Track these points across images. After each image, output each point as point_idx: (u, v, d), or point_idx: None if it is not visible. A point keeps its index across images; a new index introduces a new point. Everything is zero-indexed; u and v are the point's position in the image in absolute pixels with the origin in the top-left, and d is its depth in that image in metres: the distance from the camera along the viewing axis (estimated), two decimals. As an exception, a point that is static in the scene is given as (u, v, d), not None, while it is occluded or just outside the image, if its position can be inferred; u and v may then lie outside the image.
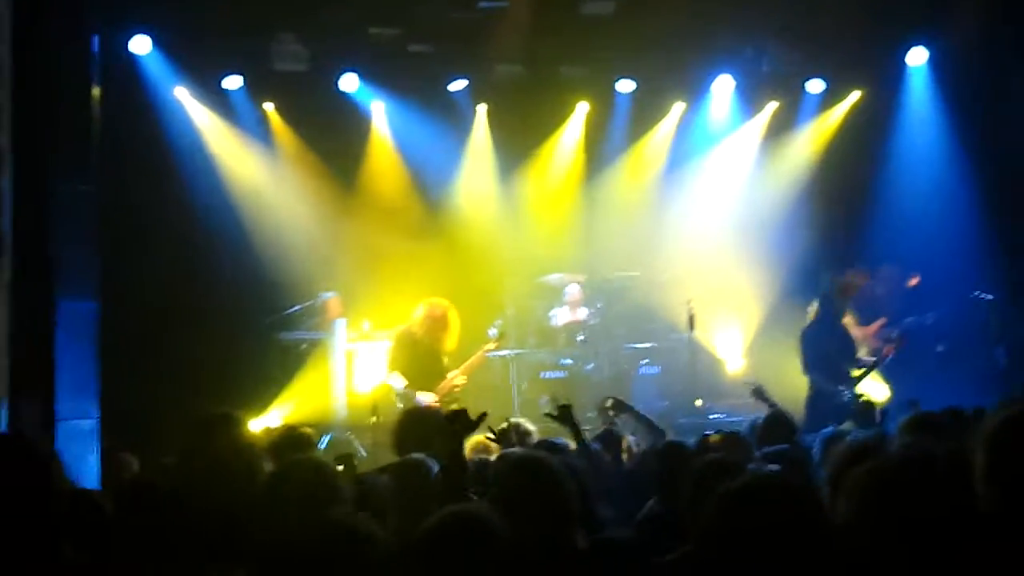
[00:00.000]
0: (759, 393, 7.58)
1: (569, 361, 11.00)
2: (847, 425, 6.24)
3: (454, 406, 8.36)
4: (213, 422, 4.38)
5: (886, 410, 6.86)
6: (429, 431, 5.49)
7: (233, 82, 10.80)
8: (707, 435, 5.73)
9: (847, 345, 9.08)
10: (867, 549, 2.67)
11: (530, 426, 6.61)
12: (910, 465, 2.93)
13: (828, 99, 11.82)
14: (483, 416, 4.66)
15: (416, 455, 4.78)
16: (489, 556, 2.87)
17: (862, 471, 2.87)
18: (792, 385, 9.04)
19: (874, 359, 8.87)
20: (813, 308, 9.08)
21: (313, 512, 3.31)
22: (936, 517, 2.68)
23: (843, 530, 2.76)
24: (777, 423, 6.05)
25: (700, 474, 4.06)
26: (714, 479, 3.79)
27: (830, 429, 5.77)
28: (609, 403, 6.87)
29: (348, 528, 2.86)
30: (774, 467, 4.72)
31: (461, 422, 4.44)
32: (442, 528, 2.93)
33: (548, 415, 5.96)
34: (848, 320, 9.80)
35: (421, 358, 8.85)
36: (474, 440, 5.79)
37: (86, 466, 7.35)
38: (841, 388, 8.61)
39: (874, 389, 8.85)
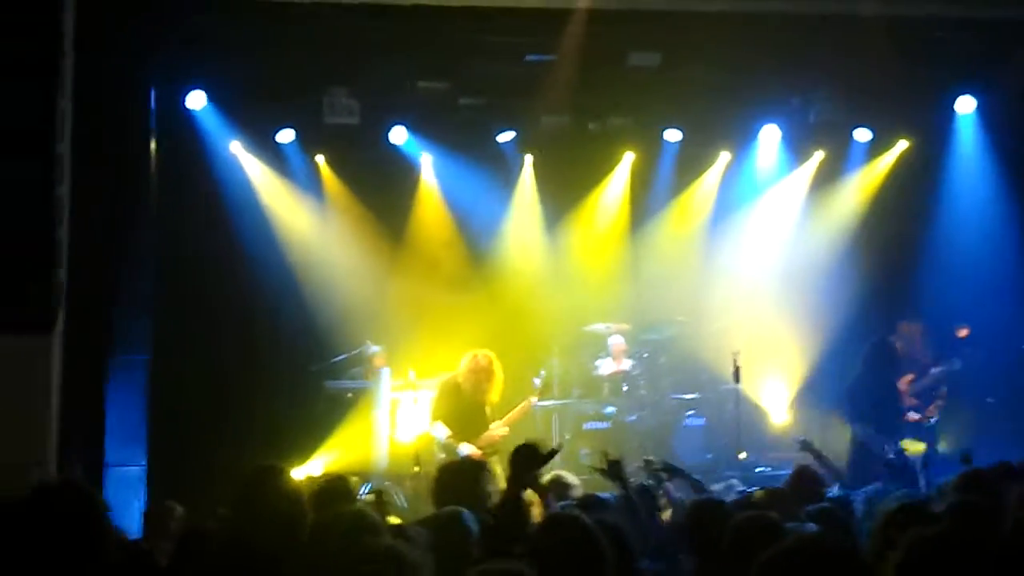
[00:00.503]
0: (807, 446, 7.52)
1: (612, 411, 10.97)
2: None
3: (495, 458, 8.46)
4: (262, 474, 4.45)
5: (926, 461, 6.76)
6: (468, 483, 5.51)
7: (286, 136, 11.03)
8: (751, 492, 5.69)
9: (896, 398, 8.97)
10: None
11: (572, 479, 6.60)
12: (959, 531, 2.93)
13: (875, 148, 11.78)
14: (555, 451, 4.46)
15: (453, 507, 4.80)
16: None
17: (914, 536, 2.86)
18: (837, 439, 8.96)
19: (919, 416, 8.76)
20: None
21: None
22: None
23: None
24: (804, 478, 5.99)
25: (738, 531, 4.06)
26: (752, 538, 3.82)
27: (874, 487, 5.72)
28: (658, 464, 6.82)
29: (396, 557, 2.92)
30: (812, 526, 4.68)
31: (527, 455, 4.23)
32: None
33: (598, 470, 5.92)
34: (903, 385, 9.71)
35: (465, 409, 8.86)
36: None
37: (131, 513, 7.47)
38: (886, 443, 8.49)
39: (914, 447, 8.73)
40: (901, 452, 8.43)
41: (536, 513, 5.29)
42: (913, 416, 9.07)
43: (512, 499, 3.98)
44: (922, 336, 10.52)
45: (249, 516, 4.05)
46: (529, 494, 5.69)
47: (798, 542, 3.02)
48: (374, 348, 10.43)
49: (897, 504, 4.33)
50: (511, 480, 3.98)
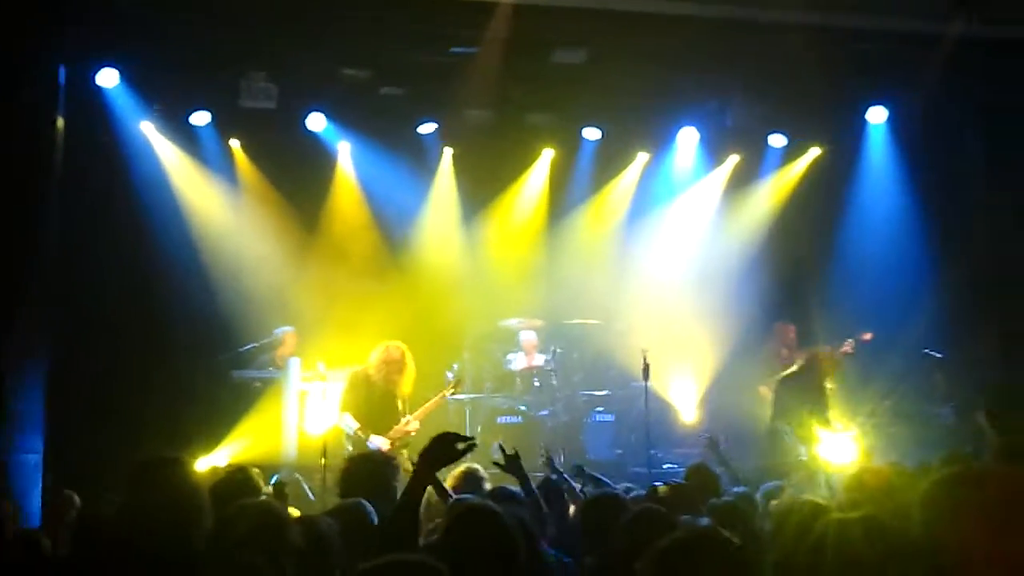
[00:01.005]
0: (713, 445, 7.64)
1: (524, 407, 11.01)
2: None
3: (404, 451, 8.42)
4: (158, 465, 4.36)
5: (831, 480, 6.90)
6: (375, 476, 5.47)
7: (200, 118, 10.80)
8: (655, 486, 5.76)
9: (818, 403, 9.15)
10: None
11: (484, 473, 6.61)
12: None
13: (789, 154, 12.03)
14: (472, 447, 4.22)
15: (354, 499, 4.76)
16: None
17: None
18: (746, 436, 9.12)
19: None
20: (799, 360, 9.18)
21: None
22: None
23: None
24: (702, 475, 6.10)
25: (631, 526, 4.11)
26: (646, 531, 3.86)
27: (772, 484, 5.84)
28: (545, 457, 6.88)
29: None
30: (706, 520, 4.75)
31: (441, 448, 4.02)
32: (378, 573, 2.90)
33: (496, 464, 5.95)
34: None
35: (375, 400, 8.79)
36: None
37: (30, 501, 7.27)
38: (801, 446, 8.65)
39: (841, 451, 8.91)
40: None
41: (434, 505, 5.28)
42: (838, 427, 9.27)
43: (417, 491, 3.85)
44: (796, 336, 10.75)
45: (141, 508, 3.97)
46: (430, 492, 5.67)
47: (686, 534, 3.07)
48: (285, 329, 10.27)
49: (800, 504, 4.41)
50: (418, 470, 3.83)
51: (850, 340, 10.15)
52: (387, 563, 2.96)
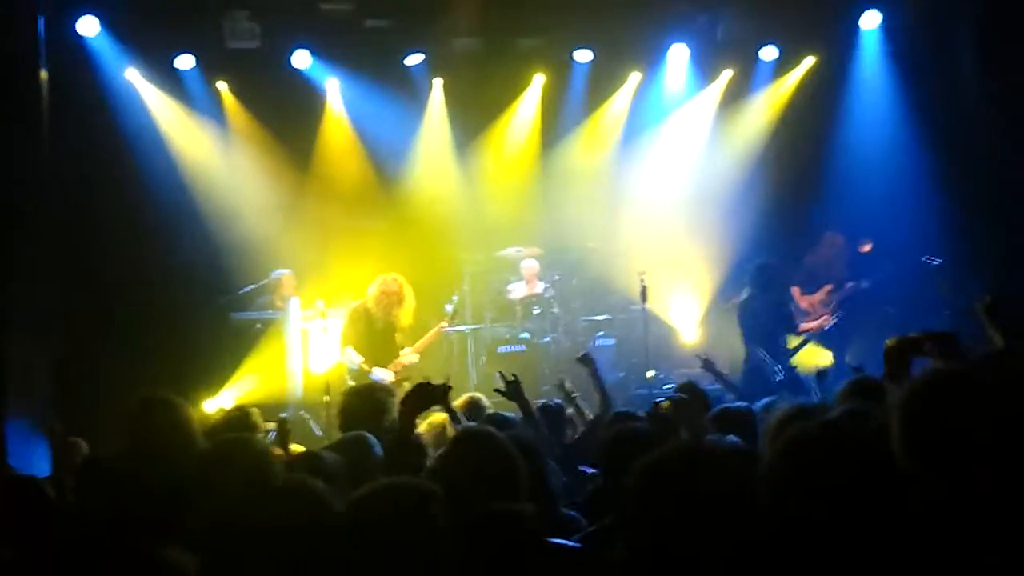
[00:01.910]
0: (709, 365, 7.69)
1: (526, 335, 11.05)
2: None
3: (406, 384, 8.49)
4: (154, 404, 4.43)
5: (825, 374, 6.95)
6: (371, 408, 5.53)
7: (185, 62, 10.68)
8: (658, 402, 5.79)
9: (785, 317, 9.20)
10: (789, 513, 2.71)
11: (486, 401, 6.68)
12: (831, 428, 2.99)
13: (782, 66, 11.82)
14: (447, 389, 4.62)
15: (356, 432, 4.82)
16: (422, 525, 2.88)
17: (785, 435, 2.92)
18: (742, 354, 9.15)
19: (813, 323, 9.02)
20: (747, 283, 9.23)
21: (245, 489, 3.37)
22: (851, 479, 2.73)
23: (769, 494, 2.82)
24: (693, 391, 6.13)
25: (615, 442, 4.16)
26: (630, 447, 3.90)
27: (768, 399, 5.87)
28: (559, 383, 6.93)
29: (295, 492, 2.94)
30: (734, 438, 4.79)
31: (420, 396, 4.37)
32: (372, 497, 2.96)
33: (497, 391, 6.01)
34: (794, 290, 9.94)
35: (376, 334, 8.84)
36: (434, 417, 5.83)
37: (37, 450, 7.36)
38: (774, 364, 8.72)
39: (817, 358, 8.96)
40: (791, 369, 8.67)
41: (449, 434, 5.35)
42: (807, 325, 9.31)
43: (404, 431, 4.08)
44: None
45: (139, 447, 4.04)
46: (442, 417, 5.77)
47: (679, 448, 3.07)
48: (282, 272, 10.29)
49: (790, 409, 4.44)
50: (400, 414, 4.10)
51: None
52: (380, 487, 3.02)
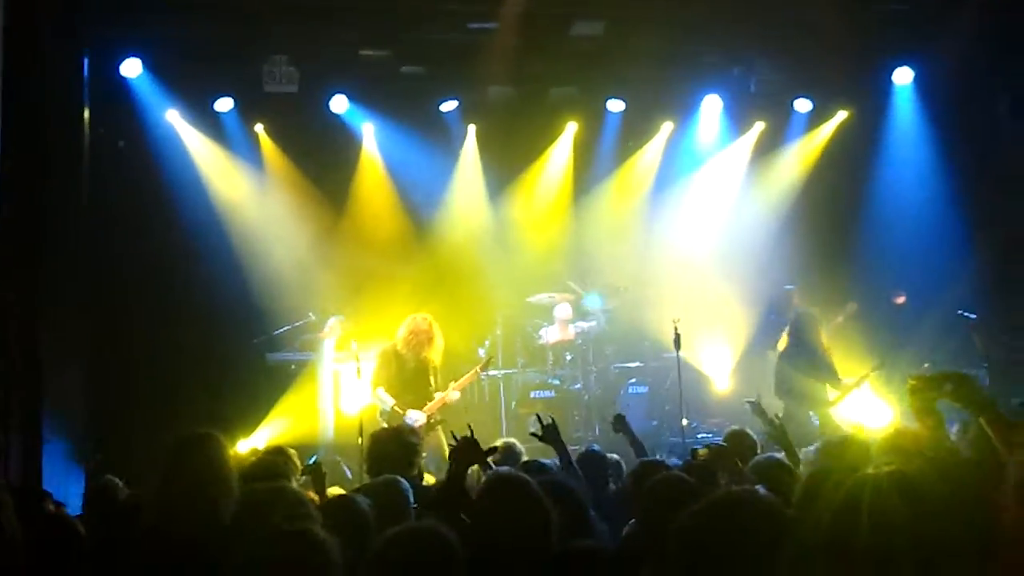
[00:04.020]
0: (757, 408, 7.58)
1: (557, 381, 11.03)
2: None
3: (439, 427, 8.47)
4: (194, 442, 4.41)
5: None
6: (401, 452, 5.54)
7: (224, 104, 10.85)
8: (696, 450, 5.74)
9: (818, 369, 9.11)
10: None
11: (520, 447, 6.63)
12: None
13: (815, 118, 11.90)
14: (492, 451, 4.77)
15: (389, 476, 4.81)
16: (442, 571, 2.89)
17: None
18: (776, 403, 9.05)
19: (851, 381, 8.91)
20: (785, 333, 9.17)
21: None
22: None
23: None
24: (740, 439, 6.06)
25: (659, 491, 4.14)
26: (670, 496, 3.89)
27: (812, 447, 5.80)
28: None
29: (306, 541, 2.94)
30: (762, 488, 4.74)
31: (466, 454, 4.49)
32: (395, 542, 2.98)
33: (533, 435, 5.97)
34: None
35: (407, 374, 8.80)
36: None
37: (71, 486, 7.37)
38: (811, 412, 8.63)
39: (873, 410, 8.84)
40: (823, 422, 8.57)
41: (479, 479, 5.33)
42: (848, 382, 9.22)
43: (457, 483, 4.17)
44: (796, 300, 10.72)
45: (174, 488, 4.01)
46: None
47: (724, 494, 3.07)
48: (338, 317, 10.30)
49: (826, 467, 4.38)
50: (455, 466, 4.23)
51: (852, 304, 10.07)
52: (404, 531, 3.05)
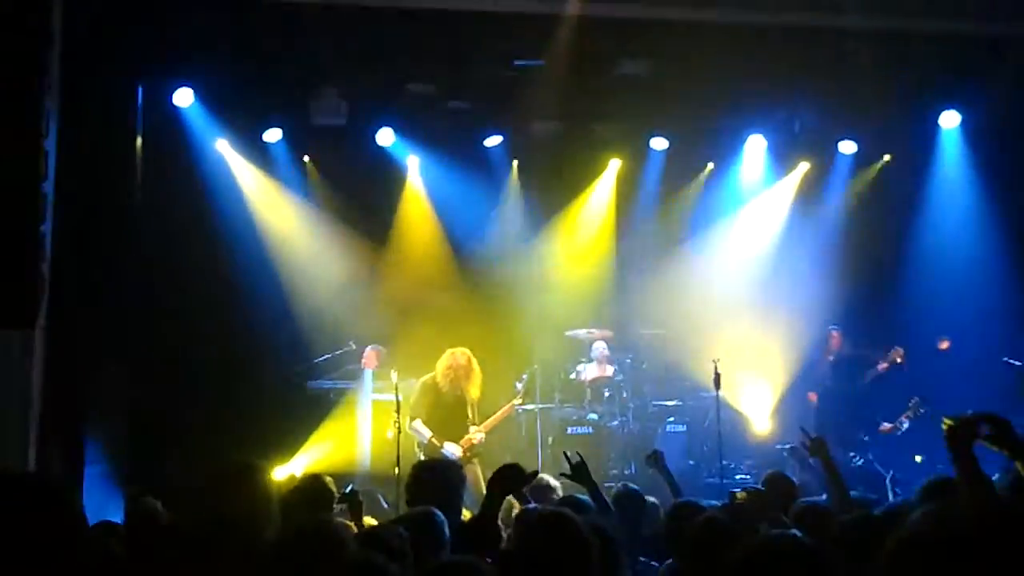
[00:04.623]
0: (797, 453, 7.53)
1: (595, 417, 11.00)
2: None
3: (475, 460, 8.49)
4: (236, 472, 4.45)
5: (894, 476, 6.78)
6: (440, 483, 5.53)
7: (273, 135, 11.01)
8: (734, 492, 5.71)
9: (860, 409, 9.05)
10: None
11: (554, 483, 6.63)
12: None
13: (860, 160, 11.85)
14: (534, 474, 4.63)
15: (425, 507, 4.81)
16: None
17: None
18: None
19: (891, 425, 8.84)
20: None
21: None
22: None
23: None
24: (778, 484, 6.01)
25: (701, 534, 4.13)
26: (714, 539, 3.88)
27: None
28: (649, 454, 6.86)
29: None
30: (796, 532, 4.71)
31: (510, 477, 4.39)
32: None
33: (563, 474, 5.96)
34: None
35: (445, 408, 8.87)
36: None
37: (110, 511, 7.44)
38: (851, 454, 8.56)
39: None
40: (870, 462, 8.50)
41: (513, 514, 5.32)
42: (885, 426, 9.12)
43: (493, 513, 4.08)
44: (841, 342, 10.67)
45: (217, 515, 4.04)
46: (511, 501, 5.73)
47: (768, 539, 3.08)
48: (374, 346, 10.38)
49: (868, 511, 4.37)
50: (491, 496, 4.10)
51: (898, 349, 9.98)
52: (444, 564, 3.06)
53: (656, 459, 6.69)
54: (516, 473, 4.36)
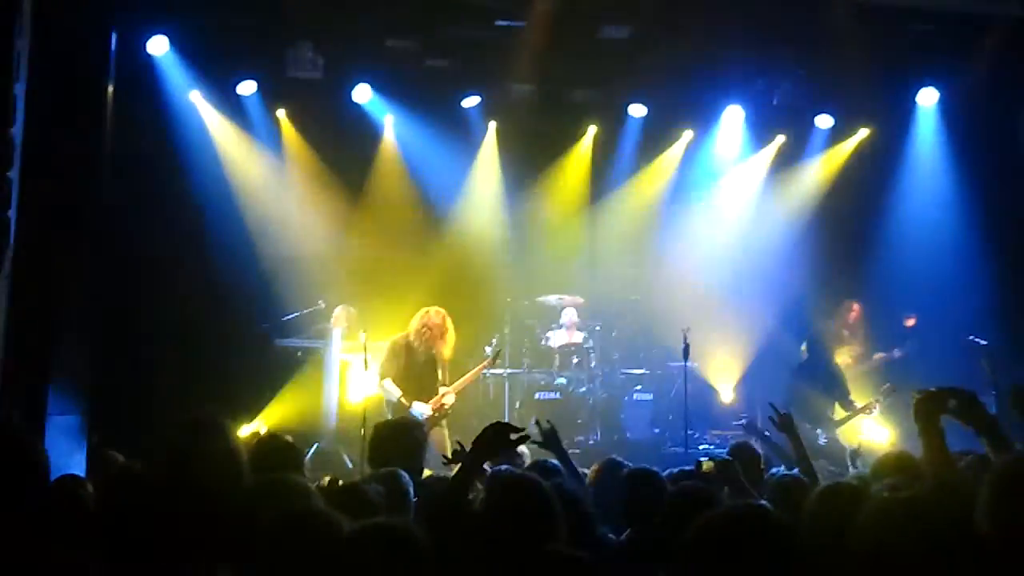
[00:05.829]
0: (751, 428, 7.57)
1: (563, 382, 11.03)
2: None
3: (444, 421, 8.48)
4: (202, 424, 4.40)
5: (857, 454, 6.82)
6: (405, 445, 5.51)
7: (247, 87, 10.85)
8: (700, 461, 5.72)
9: (830, 387, 9.12)
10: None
11: (522, 448, 6.62)
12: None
13: (836, 135, 11.88)
14: (524, 438, 4.36)
15: (391, 468, 4.79)
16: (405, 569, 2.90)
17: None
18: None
19: (861, 406, 8.92)
20: (804, 348, 9.20)
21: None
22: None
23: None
24: (744, 453, 6.02)
25: (675, 501, 4.14)
26: (689, 506, 3.90)
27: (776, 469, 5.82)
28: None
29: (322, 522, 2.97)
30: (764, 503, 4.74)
31: (497, 438, 4.14)
32: (360, 537, 2.99)
33: (533, 441, 5.92)
34: (847, 360, 9.85)
35: (416, 367, 8.81)
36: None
37: (73, 463, 7.38)
38: (817, 430, 8.64)
39: (876, 432, 8.85)
40: (834, 440, 8.59)
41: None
42: (856, 406, 9.20)
43: (469, 477, 3.93)
44: (859, 315, 10.70)
45: (184, 466, 4.00)
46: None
47: (732, 510, 3.11)
48: (345, 307, 10.32)
49: (833, 483, 4.39)
50: (473, 457, 3.90)
51: (890, 386, 10.07)
52: (371, 525, 3.05)
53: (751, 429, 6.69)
54: (504, 433, 4.13)
